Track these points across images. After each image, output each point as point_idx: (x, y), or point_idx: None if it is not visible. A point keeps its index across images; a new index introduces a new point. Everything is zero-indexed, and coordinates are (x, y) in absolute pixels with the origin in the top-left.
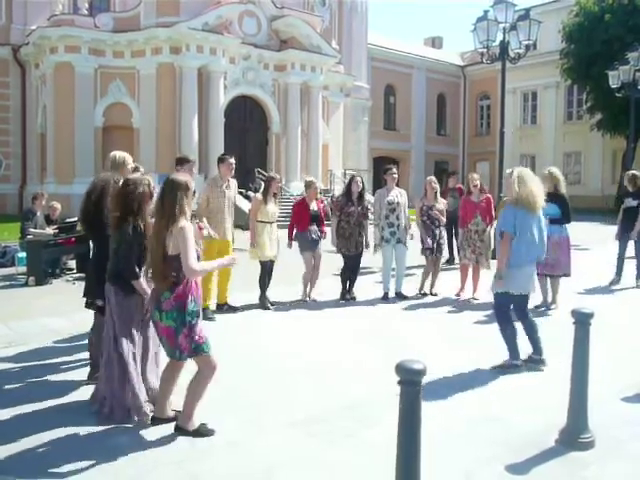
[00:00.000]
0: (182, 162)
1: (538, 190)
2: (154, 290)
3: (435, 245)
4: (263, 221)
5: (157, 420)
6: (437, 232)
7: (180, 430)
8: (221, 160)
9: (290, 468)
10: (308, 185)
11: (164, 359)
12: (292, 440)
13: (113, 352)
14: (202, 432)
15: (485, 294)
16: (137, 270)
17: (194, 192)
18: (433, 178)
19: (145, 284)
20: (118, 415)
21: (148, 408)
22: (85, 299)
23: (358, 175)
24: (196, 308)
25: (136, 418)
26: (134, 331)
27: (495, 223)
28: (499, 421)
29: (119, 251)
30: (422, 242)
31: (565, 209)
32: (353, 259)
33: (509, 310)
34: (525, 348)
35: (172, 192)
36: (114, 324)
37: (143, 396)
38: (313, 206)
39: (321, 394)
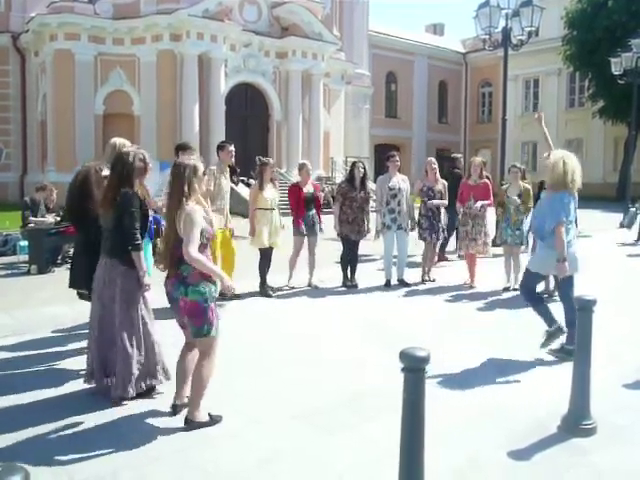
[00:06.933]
0: (183, 149)
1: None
2: (171, 269)
3: (433, 228)
4: (262, 208)
5: (178, 407)
6: (437, 215)
7: (191, 423)
8: (220, 147)
9: (291, 459)
10: (300, 167)
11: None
12: (293, 432)
13: (120, 331)
14: (213, 420)
15: (482, 282)
16: (140, 241)
17: (203, 173)
18: (433, 159)
19: (143, 259)
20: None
21: (132, 389)
22: (76, 290)
23: (360, 161)
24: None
25: (119, 392)
26: (138, 307)
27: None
28: (501, 408)
29: (123, 221)
30: (419, 225)
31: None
32: (354, 244)
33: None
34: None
35: (181, 174)
36: (120, 301)
37: (136, 372)
38: (308, 188)
39: (322, 385)
